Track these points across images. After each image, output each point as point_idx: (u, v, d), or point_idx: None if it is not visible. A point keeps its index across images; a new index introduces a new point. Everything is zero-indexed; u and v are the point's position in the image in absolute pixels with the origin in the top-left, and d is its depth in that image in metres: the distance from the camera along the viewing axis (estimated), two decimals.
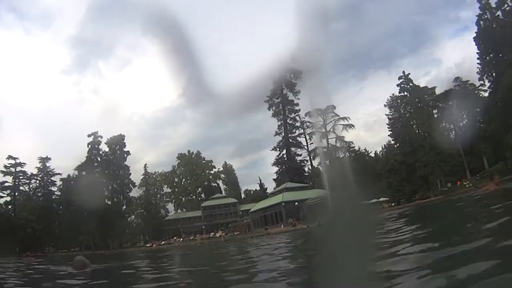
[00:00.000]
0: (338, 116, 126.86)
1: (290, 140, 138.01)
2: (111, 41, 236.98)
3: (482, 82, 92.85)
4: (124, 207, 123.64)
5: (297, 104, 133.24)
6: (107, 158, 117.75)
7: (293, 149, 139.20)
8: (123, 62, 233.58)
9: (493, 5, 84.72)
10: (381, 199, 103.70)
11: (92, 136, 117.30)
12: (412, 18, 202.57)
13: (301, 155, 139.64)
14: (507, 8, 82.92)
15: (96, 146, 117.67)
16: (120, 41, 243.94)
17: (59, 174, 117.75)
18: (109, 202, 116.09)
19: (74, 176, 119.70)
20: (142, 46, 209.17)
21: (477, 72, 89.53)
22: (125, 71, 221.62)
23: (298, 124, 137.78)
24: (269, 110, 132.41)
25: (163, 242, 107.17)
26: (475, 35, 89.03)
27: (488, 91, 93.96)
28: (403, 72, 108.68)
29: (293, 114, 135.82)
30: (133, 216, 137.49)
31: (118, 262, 25.30)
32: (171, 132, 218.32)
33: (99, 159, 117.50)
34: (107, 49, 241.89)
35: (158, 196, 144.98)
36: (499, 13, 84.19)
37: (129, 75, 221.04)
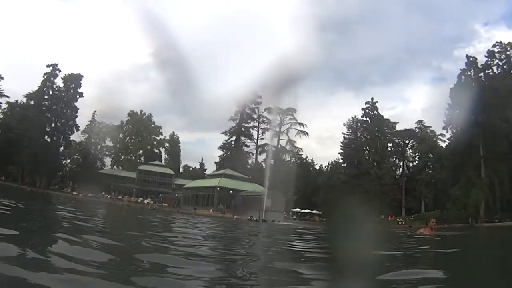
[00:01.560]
0: (296, 120, 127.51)
1: (243, 129, 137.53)
2: None
3: (444, 132, 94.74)
4: (62, 148, 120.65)
5: (260, 96, 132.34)
6: (59, 94, 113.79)
7: (243, 138, 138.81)
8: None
9: (480, 65, 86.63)
10: (314, 211, 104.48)
11: (51, 67, 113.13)
12: (396, 52, 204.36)
13: (249, 146, 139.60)
14: (491, 73, 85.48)
15: (52, 78, 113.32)
16: None
17: (6, 96, 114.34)
18: (48, 139, 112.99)
19: (22, 103, 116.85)
20: None
21: (443, 121, 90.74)
22: (104, 11, 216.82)
23: (255, 116, 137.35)
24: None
25: (90, 194, 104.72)
26: (449, 88, 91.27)
27: (446, 142, 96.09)
28: (372, 98, 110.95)
29: (253, 104, 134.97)
30: (68, 160, 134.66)
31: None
32: (131, 88, 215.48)
33: (51, 92, 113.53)
34: None
35: (99, 147, 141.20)
36: (482, 74, 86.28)
37: (104, 18, 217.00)
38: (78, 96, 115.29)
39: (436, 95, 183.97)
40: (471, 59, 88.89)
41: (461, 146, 78.33)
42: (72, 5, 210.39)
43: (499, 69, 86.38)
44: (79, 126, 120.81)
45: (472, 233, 38.06)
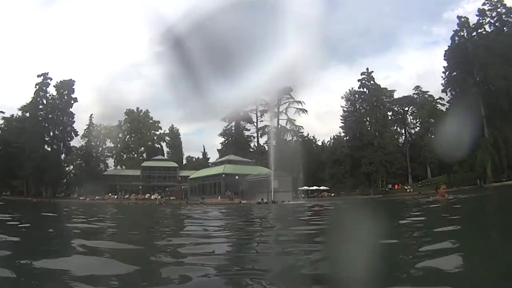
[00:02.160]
0: (293, 98, 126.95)
1: (241, 114, 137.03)
2: None
3: (444, 94, 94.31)
4: (64, 155, 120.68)
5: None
6: (53, 102, 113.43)
7: (242, 123, 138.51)
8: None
9: (472, 25, 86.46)
10: (322, 187, 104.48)
11: (42, 77, 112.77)
12: (385, 20, 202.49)
13: (249, 130, 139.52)
14: (483, 32, 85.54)
15: (44, 88, 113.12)
16: None
17: (2, 112, 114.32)
18: (49, 149, 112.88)
19: (18, 116, 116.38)
20: None
21: (441, 84, 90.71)
22: (91, 14, 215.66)
23: (252, 99, 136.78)
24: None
25: (97, 197, 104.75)
26: (443, 51, 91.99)
27: (446, 105, 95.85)
28: (367, 69, 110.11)
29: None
30: (71, 167, 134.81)
31: None
32: (124, 86, 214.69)
33: (45, 101, 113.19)
34: None
35: (100, 149, 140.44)
36: (474, 33, 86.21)
37: (92, 19, 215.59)
38: (72, 102, 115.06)
39: (431, 59, 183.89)
40: (463, 19, 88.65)
41: (461, 108, 78.14)
42: (54, 10, 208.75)
43: (491, 27, 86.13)
44: (77, 132, 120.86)
45: (487, 194, 37.72)
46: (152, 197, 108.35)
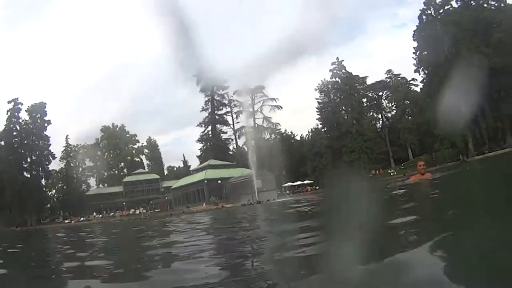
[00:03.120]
0: (266, 96, 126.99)
1: (217, 117, 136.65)
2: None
3: (417, 75, 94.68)
4: (44, 180, 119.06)
5: (226, 81, 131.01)
6: (27, 127, 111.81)
7: (218, 126, 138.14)
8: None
9: (438, 2, 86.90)
10: (306, 181, 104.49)
11: (12, 103, 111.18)
12: (350, 8, 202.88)
13: (226, 133, 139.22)
14: (451, 8, 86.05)
15: (16, 113, 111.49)
16: None
17: None
18: (28, 175, 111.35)
19: None
20: None
21: (413, 64, 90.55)
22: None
23: (226, 101, 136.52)
24: (197, 85, 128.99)
25: (82, 219, 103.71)
26: (411, 33, 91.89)
27: (420, 86, 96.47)
28: (337, 58, 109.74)
29: (221, 90, 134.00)
30: (54, 191, 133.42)
31: None
32: (98, 104, 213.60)
33: (18, 127, 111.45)
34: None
35: (80, 169, 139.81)
36: (442, 10, 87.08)
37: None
38: (46, 125, 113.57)
39: (400, 42, 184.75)
40: None
41: (435, 85, 78.19)
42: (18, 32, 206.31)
43: (458, 2, 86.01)
44: (55, 155, 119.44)
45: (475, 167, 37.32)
46: (137, 211, 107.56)
